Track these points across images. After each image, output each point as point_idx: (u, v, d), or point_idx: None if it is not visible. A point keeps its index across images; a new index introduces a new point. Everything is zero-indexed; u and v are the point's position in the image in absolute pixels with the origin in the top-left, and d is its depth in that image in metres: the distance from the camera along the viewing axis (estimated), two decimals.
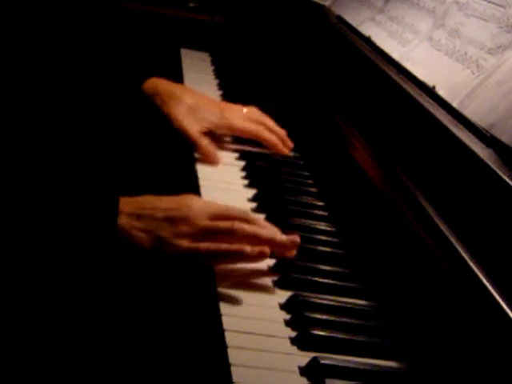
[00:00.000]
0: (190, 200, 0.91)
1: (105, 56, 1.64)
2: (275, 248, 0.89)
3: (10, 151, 0.97)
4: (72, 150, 1.22)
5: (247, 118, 1.24)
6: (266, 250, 0.87)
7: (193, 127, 1.18)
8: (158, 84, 1.22)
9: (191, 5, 1.95)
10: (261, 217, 0.98)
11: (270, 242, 0.88)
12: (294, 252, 0.89)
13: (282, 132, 1.25)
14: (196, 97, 1.24)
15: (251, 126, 1.22)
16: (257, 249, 0.86)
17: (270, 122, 1.25)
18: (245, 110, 1.26)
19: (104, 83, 1.30)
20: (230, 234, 0.87)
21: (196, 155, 1.17)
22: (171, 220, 0.87)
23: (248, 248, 0.86)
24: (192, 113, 1.19)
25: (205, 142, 1.17)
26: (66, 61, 1.49)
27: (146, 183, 1.11)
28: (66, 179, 0.94)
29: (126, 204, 0.88)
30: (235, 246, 0.86)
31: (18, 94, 1.08)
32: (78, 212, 0.85)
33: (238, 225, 0.87)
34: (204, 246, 0.86)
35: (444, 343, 0.76)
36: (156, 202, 0.89)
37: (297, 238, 0.89)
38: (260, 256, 0.87)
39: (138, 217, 0.87)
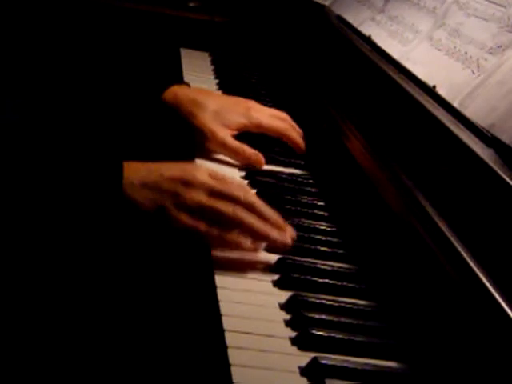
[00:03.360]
0: (195, 171, 0.92)
1: (104, 56, 1.64)
2: (267, 242, 0.91)
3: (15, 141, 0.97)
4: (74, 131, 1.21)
5: (273, 116, 1.24)
6: (259, 248, 0.90)
7: (224, 135, 1.15)
8: (177, 92, 1.20)
9: (191, 5, 1.95)
10: None
11: (263, 237, 0.90)
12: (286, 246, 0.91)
13: (301, 131, 1.25)
14: (219, 99, 1.23)
15: (280, 124, 1.23)
16: (251, 246, 0.89)
17: (294, 124, 1.25)
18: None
19: (103, 83, 1.30)
20: (229, 220, 0.88)
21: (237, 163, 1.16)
22: (174, 191, 0.88)
23: (244, 243, 0.88)
24: (219, 118, 1.17)
25: (245, 148, 1.16)
26: (64, 61, 1.48)
27: None
28: (69, 150, 0.95)
29: (133, 170, 0.89)
30: (234, 238, 0.88)
31: (16, 94, 1.08)
32: (83, 179, 0.87)
33: (237, 213, 0.89)
34: (204, 227, 0.87)
35: (444, 343, 0.76)
36: (162, 170, 0.90)
37: (288, 241, 0.90)
38: (253, 250, 0.90)
39: (143, 185, 0.88)
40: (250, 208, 0.90)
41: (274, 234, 0.90)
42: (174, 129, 1.18)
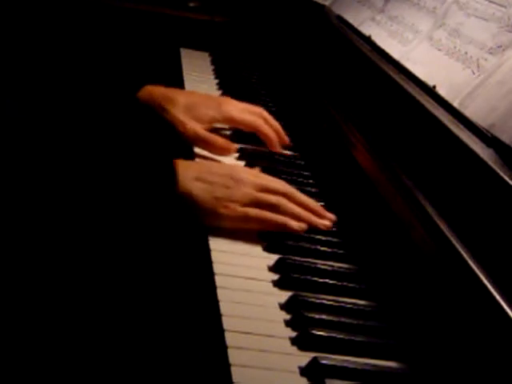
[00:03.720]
0: (239, 169, 1.03)
1: (104, 56, 1.64)
2: (309, 225, 0.99)
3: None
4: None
5: (245, 110, 1.25)
6: (304, 227, 0.97)
7: (195, 126, 1.18)
8: (151, 91, 1.23)
9: (191, 5, 1.95)
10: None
11: (305, 221, 0.98)
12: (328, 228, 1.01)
13: (279, 126, 1.26)
14: (190, 95, 1.26)
15: (250, 118, 1.24)
16: (297, 225, 0.97)
17: (268, 116, 1.26)
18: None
19: (103, 83, 1.30)
20: (274, 208, 0.97)
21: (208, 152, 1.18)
22: (226, 184, 0.96)
23: (291, 223, 0.96)
24: (190, 112, 1.20)
25: (215, 137, 1.19)
26: (63, 61, 1.48)
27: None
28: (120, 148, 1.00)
29: (183, 166, 0.96)
30: (280, 219, 0.96)
31: (14, 93, 1.08)
32: (140, 176, 0.94)
33: (282, 201, 0.98)
34: (253, 212, 0.95)
35: (444, 343, 0.76)
36: (211, 167, 1.00)
37: (327, 223, 1.00)
38: (299, 231, 0.97)
39: (197, 178, 0.95)
40: (290, 198, 0.99)
41: (314, 218, 0.99)
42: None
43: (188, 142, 1.18)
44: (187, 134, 1.17)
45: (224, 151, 1.18)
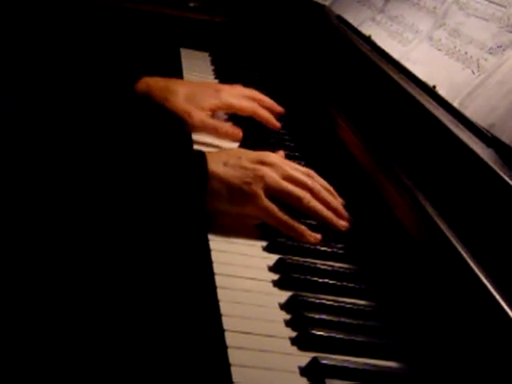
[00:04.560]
0: (269, 154, 1.01)
1: (104, 56, 1.64)
2: (330, 225, 0.99)
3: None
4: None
5: (242, 95, 1.29)
6: (319, 239, 0.96)
7: (200, 115, 1.21)
8: (149, 82, 1.25)
9: (191, 5, 1.95)
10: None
11: (326, 221, 0.98)
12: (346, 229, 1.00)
13: (271, 102, 1.31)
14: (189, 85, 1.29)
15: (247, 104, 1.28)
16: (313, 238, 0.96)
17: (263, 98, 1.31)
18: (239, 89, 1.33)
19: (103, 83, 1.30)
20: (298, 200, 0.97)
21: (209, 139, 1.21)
22: (253, 168, 0.96)
23: (306, 234, 0.95)
24: (192, 101, 1.22)
25: (223, 123, 1.23)
26: (64, 61, 1.48)
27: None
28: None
29: (212, 155, 0.97)
30: (300, 228, 0.95)
31: (15, 94, 1.08)
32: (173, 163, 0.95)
33: (307, 195, 0.98)
34: (278, 213, 0.95)
35: (444, 343, 0.76)
36: (239, 153, 1.00)
37: (346, 225, 1.00)
38: (314, 241, 0.96)
39: (225, 164, 0.95)
40: (314, 193, 0.99)
41: (335, 218, 0.99)
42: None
43: (192, 130, 1.20)
44: (194, 123, 1.20)
45: (232, 137, 1.22)
